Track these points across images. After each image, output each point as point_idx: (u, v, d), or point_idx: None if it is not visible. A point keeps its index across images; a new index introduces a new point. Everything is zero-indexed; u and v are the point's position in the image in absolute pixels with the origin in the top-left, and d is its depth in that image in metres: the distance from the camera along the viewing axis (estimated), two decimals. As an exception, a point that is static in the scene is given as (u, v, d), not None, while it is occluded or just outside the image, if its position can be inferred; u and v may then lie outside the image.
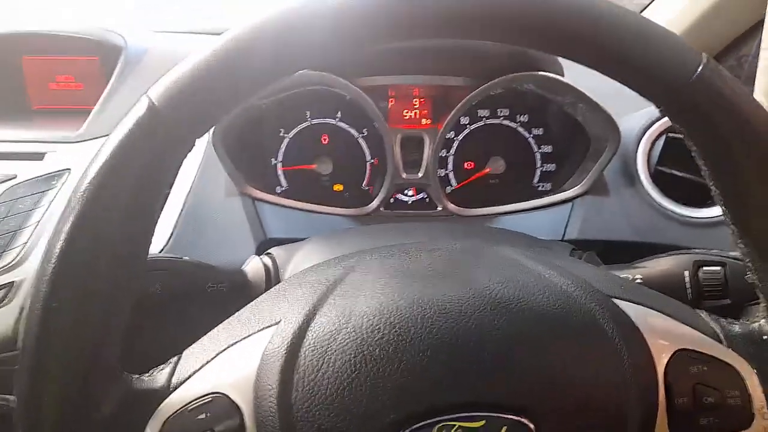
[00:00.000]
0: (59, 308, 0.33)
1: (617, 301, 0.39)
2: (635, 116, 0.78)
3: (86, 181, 0.34)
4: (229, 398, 0.35)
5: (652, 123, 0.75)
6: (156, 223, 0.36)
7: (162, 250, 0.64)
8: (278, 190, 0.78)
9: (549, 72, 0.71)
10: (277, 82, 0.36)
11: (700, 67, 0.34)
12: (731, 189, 0.37)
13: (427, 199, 0.78)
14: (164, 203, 0.36)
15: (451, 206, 0.76)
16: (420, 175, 0.75)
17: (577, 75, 0.71)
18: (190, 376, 0.36)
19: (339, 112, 0.77)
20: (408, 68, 0.74)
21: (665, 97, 0.36)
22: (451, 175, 0.80)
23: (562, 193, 0.75)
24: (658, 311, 0.40)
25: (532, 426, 0.35)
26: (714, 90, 0.35)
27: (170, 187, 0.36)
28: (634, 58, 0.34)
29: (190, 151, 0.36)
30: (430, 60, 0.73)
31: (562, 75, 0.72)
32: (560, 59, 0.74)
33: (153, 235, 0.37)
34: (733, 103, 0.35)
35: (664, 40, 0.34)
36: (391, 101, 0.77)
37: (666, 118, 0.73)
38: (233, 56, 0.33)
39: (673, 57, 0.34)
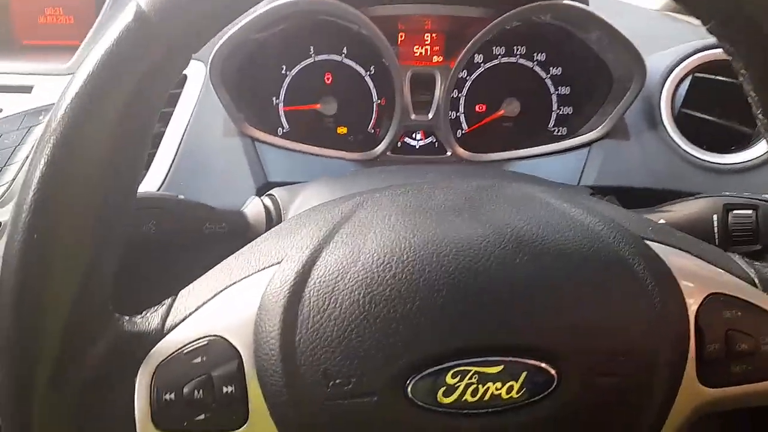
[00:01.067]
0: (40, 241, 0.30)
1: (648, 243, 0.37)
2: (660, 55, 0.73)
3: (68, 99, 0.30)
4: (227, 341, 0.33)
5: (680, 62, 0.70)
6: (147, 148, 0.33)
7: (158, 190, 0.61)
8: (279, 131, 0.75)
9: (574, 1, 0.66)
10: None
11: None
12: None
13: (436, 144, 0.74)
14: (154, 126, 0.33)
15: (462, 151, 0.73)
16: (430, 116, 0.71)
17: (600, 10, 0.67)
18: (185, 318, 0.34)
19: (345, 48, 0.73)
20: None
21: (718, 8, 0.32)
22: (462, 118, 0.76)
23: (579, 137, 0.72)
24: (689, 253, 0.38)
25: (553, 372, 0.33)
26: None
27: (159, 110, 0.33)
28: None
29: (184, 67, 0.33)
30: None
31: (587, 5, 0.67)
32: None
33: (144, 162, 0.34)
34: None
35: None
36: (401, 36, 0.73)
37: (693, 57, 0.70)
38: None
39: None
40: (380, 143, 0.71)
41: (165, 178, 0.62)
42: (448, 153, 0.73)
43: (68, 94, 0.30)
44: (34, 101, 0.63)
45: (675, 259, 0.37)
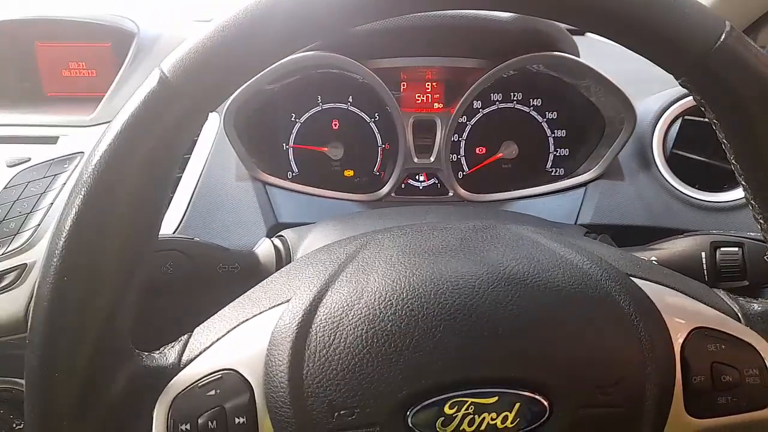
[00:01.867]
0: (69, 283, 0.33)
1: (634, 279, 0.39)
2: (651, 99, 0.76)
3: (97, 155, 0.33)
4: (240, 374, 0.35)
5: (669, 105, 0.73)
6: (169, 198, 0.36)
7: (174, 232, 0.64)
8: (289, 175, 0.78)
9: (564, 53, 0.70)
10: (289, 53, 0.35)
11: (723, 35, 0.33)
12: (754, 161, 0.36)
13: (439, 185, 0.77)
14: (174, 177, 0.36)
15: (463, 192, 0.75)
16: (432, 159, 0.74)
17: (592, 59, 0.70)
18: (200, 354, 0.36)
19: (350, 97, 0.77)
20: (420, 50, 0.73)
21: (687, 66, 0.34)
22: (463, 160, 0.79)
23: (575, 177, 0.74)
24: (675, 289, 0.39)
25: (546, 403, 0.34)
26: (738, 58, 0.34)
27: (180, 162, 0.36)
28: (654, 25, 0.33)
29: (203, 124, 0.36)
30: (443, 41, 0.72)
31: (578, 56, 0.71)
32: (576, 39, 0.73)
33: (165, 211, 0.37)
34: (758, 72, 0.34)
35: (686, 7, 0.33)
36: (403, 85, 0.77)
37: (682, 102, 0.73)
38: (246, 26, 0.33)
39: (695, 24, 0.33)
40: (385, 185, 0.74)
41: (181, 220, 0.65)
42: (450, 194, 0.76)
43: (98, 150, 0.33)
44: (60, 150, 0.67)
45: (660, 295, 0.38)
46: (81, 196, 0.33)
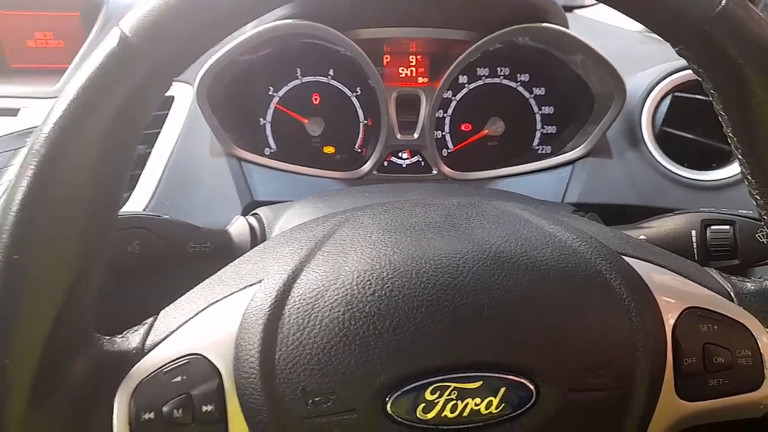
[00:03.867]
0: (21, 261, 0.30)
1: (625, 258, 0.37)
2: (640, 76, 0.75)
3: (50, 123, 0.31)
4: (207, 359, 0.33)
5: (658, 81, 0.72)
6: (128, 169, 0.34)
7: (144, 210, 0.61)
8: (267, 151, 0.75)
9: (553, 24, 0.68)
10: (263, 12, 0.32)
11: (724, 1, 0.32)
12: (752, 134, 0.34)
13: (423, 163, 0.75)
14: (136, 148, 0.34)
15: (448, 170, 0.73)
16: (415, 136, 0.72)
17: (581, 32, 0.68)
18: (165, 338, 0.34)
19: (331, 70, 0.74)
20: (404, 19, 0.71)
21: (685, 32, 0.33)
22: (448, 137, 0.77)
23: (563, 155, 0.73)
24: (666, 268, 0.38)
25: (532, 387, 0.33)
26: (739, 25, 0.32)
27: (142, 133, 0.33)
28: None
29: (166, 90, 0.33)
30: (428, 10, 0.69)
31: (567, 28, 0.69)
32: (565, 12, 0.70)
33: (126, 183, 0.34)
34: (760, 39, 0.32)
35: None
36: (387, 57, 0.74)
37: (672, 78, 0.72)
38: None
39: None
40: (367, 162, 0.72)
41: (151, 198, 0.62)
42: (434, 172, 0.74)
43: (51, 117, 0.31)
44: (21, 123, 0.63)
45: (652, 274, 0.37)
46: (32, 168, 0.30)
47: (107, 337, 0.35)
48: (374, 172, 0.72)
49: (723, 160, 0.72)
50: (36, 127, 0.62)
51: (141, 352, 0.34)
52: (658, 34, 0.34)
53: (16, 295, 0.31)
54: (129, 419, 0.32)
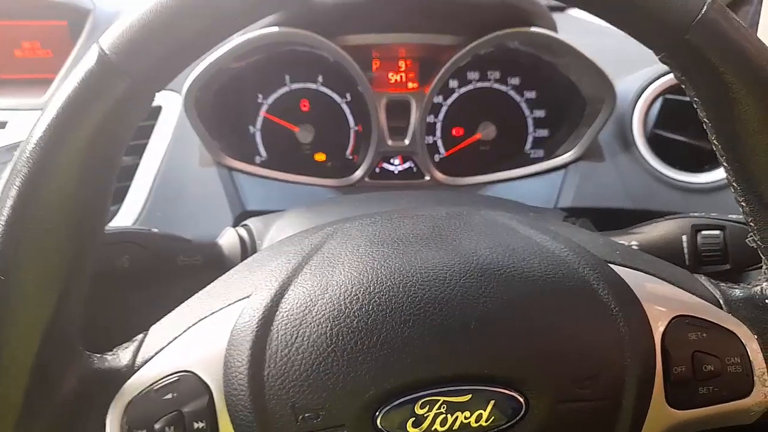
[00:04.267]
0: (7, 281, 0.30)
1: (613, 267, 0.37)
2: (631, 78, 0.75)
3: (32, 141, 0.30)
4: (197, 376, 0.33)
5: (649, 84, 0.72)
6: (112, 183, 0.34)
7: (134, 224, 0.61)
8: (257, 160, 0.75)
9: (542, 29, 0.67)
10: (243, 26, 0.32)
11: (704, 8, 0.32)
12: (735, 141, 0.34)
13: (415, 169, 0.75)
14: (119, 162, 0.33)
15: (440, 175, 0.73)
16: (407, 142, 0.72)
17: (570, 36, 0.68)
18: (155, 354, 0.34)
19: (320, 76, 0.74)
20: (392, 26, 0.71)
21: (667, 41, 0.33)
22: (440, 143, 0.77)
23: (555, 159, 0.73)
24: (655, 276, 0.38)
25: (521, 399, 0.33)
26: (719, 33, 0.32)
27: (125, 148, 0.33)
28: None
29: (149, 106, 0.33)
30: (416, 16, 0.69)
31: (556, 33, 0.68)
32: (554, 16, 0.70)
33: (110, 200, 0.34)
34: (740, 46, 0.32)
35: None
36: (376, 63, 0.74)
37: (663, 80, 0.72)
38: None
39: None
40: (358, 169, 0.72)
41: (141, 210, 0.62)
42: (427, 177, 0.74)
43: (33, 135, 0.31)
44: (8, 137, 0.63)
45: (640, 282, 0.37)
46: (15, 188, 0.30)
47: (97, 355, 0.34)
48: (366, 179, 0.72)
49: (715, 163, 0.72)
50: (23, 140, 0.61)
51: (131, 369, 0.34)
52: (640, 42, 0.34)
53: (2, 314, 0.30)
54: None
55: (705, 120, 0.35)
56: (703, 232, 0.51)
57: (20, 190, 0.30)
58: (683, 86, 0.35)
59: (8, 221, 0.30)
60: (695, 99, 0.35)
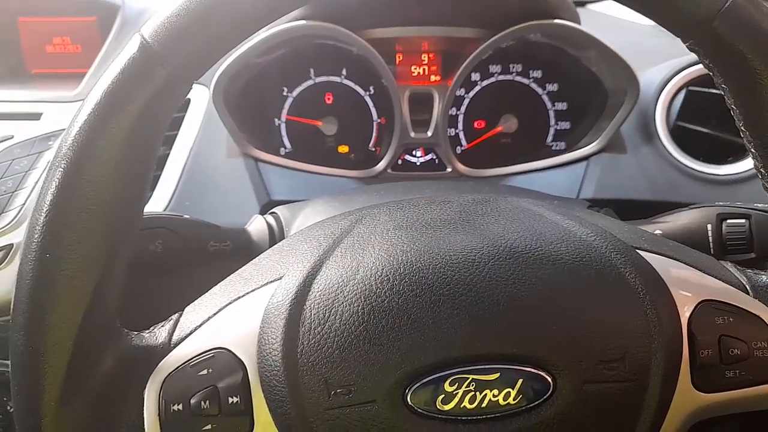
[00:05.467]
0: (52, 259, 0.32)
1: (640, 252, 0.37)
2: (654, 70, 0.75)
3: (76, 127, 0.32)
4: (232, 353, 0.34)
5: (673, 76, 0.72)
6: (152, 170, 0.35)
7: (163, 211, 0.62)
8: (282, 151, 0.76)
9: (565, 20, 0.68)
10: (278, 16, 0.33)
11: None
12: (764, 128, 0.34)
13: (437, 160, 0.75)
14: (158, 149, 0.35)
15: (462, 167, 0.74)
16: (429, 134, 0.73)
17: (592, 31, 0.68)
18: (191, 333, 0.35)
19: (344, 69, 0.75)
20: (416, 19, 0.71)
21: (694, 28, 0.33)
22: (462, 135, 0.78)
23: (577, 151, 0.73)
24: (681, 262, 0.38)
25: (549, 379, 0.33)
26: (747, 19, 0.32)
27: (164, 134, 0.34)
28: None
29: (186, 94, 0.34)
30: (439, 9, 0.70)
31: (579, 23, 0.69)
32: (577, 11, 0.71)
33: (149, 185, 0.35)
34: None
35: None
36: (399, 56, 0.74)
37: (686, 72, 0.72)
38: None
39: None
40: (381, 161, 0.73)
41: (171, 198, 0.63)
42: (449, 169, 0.74)
43: (77, 121, 0.32)
44: (44, 127, 0.65)
45: (667, 267, 0.37)
46: (61, 170, 0.32)
47: (135, 333, 0.36)
48: (388, 171, 0.73)
49: (738, 154, 0.72)
50: (58, 130, 0.63)
51: (168, 346, 0.35)
52: (667, 30, 0.35)
53: (49, 291, 0.32)
54: (158, 411, 0.33)
55: (733, 107, 0.35)
56: (729, 221, 0.51)
57: (65, 172, 0.31)
58: (711, 73, 0.35)
59: (53, 202, 0.31)
60: (723, 86, 0.35)
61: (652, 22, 0.85)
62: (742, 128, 0.35)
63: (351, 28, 0.66)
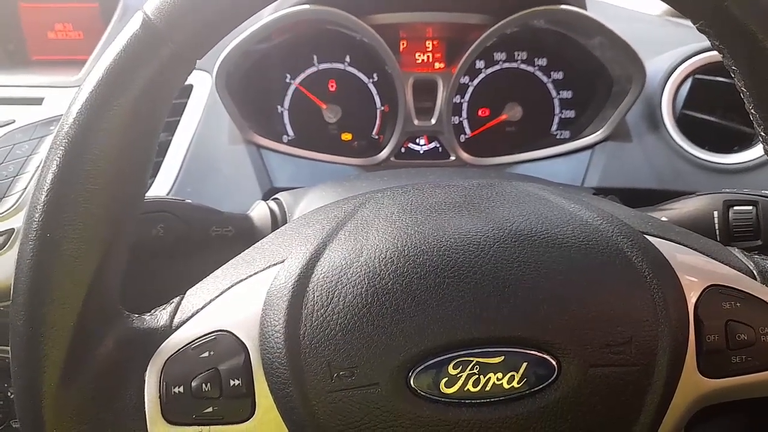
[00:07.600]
0: (54, 239, 0.31)
1: (647, 237, 0.37)
2: (660, 58, 0.74)
3: (77, 106, 0.31)
4: (234, 335, 0.34)
5: (679, 64, 0.71)
6: (153, 152, 0.34)
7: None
8: (285, 138, 0.76)
9: (571, 6, 0.67)
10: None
11: None
12: None
13: (440, 149, 0.75)
14: (160, 131, 0.34)
15: (465, 155, 0.73)
16: (433, 122, 0.72)
17: (599, 16, 0.68)
18: (192, 315, 0.35)
19: (348, 56, 0.74)
20: (420, 4, 0.70)
21: (704, 8, 0.33)
22: (466, 123, 0.77)
23: (582, 139, 0.72)
24: (688, 247, 0.38)
25: (554, 362, 0.33)
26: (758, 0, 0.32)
27: (166, 115, 0.34)
28: None
29: (189, 73, 0.34)
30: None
31: (585, 9, 0.68)
32: None
33: (150, 165, 0.35)
34: None
35: None
36: (403, 43, 0.74)
37: (693, 60, 0.71)
38: None
39: None
40: (384, 149, 0.72)
41: (173, 184, 0.63)
42: (452, 157, 0.74)
43: (77, 101, 0.32)
44: (45, 112, 0.65)
45: (674, 252, 0.37)
46: (62, 149, 0.31)
47: (136, 315, 0.35)
48: (392, 159, 0.73)
49: (744, 144, 0.71)
50: (60, 116, 0.63)
51: (169, 329, 0.34)
52: (677, 11, 0.34)
53: (50, 272, 0.31)
54: (159, 393, 0.33)
55: (743, 89, 0.35)
56: (735, 208, 0.51)
57: (66, 150, 0.31)
58: (721, 55, 0.34)
59: (54, 180, 0.31)
60: (733, 68, 0.34)
61: (658, 12, 0.84)
62: (752, 110, 0.35)
63: (354, 12, 0.66)
